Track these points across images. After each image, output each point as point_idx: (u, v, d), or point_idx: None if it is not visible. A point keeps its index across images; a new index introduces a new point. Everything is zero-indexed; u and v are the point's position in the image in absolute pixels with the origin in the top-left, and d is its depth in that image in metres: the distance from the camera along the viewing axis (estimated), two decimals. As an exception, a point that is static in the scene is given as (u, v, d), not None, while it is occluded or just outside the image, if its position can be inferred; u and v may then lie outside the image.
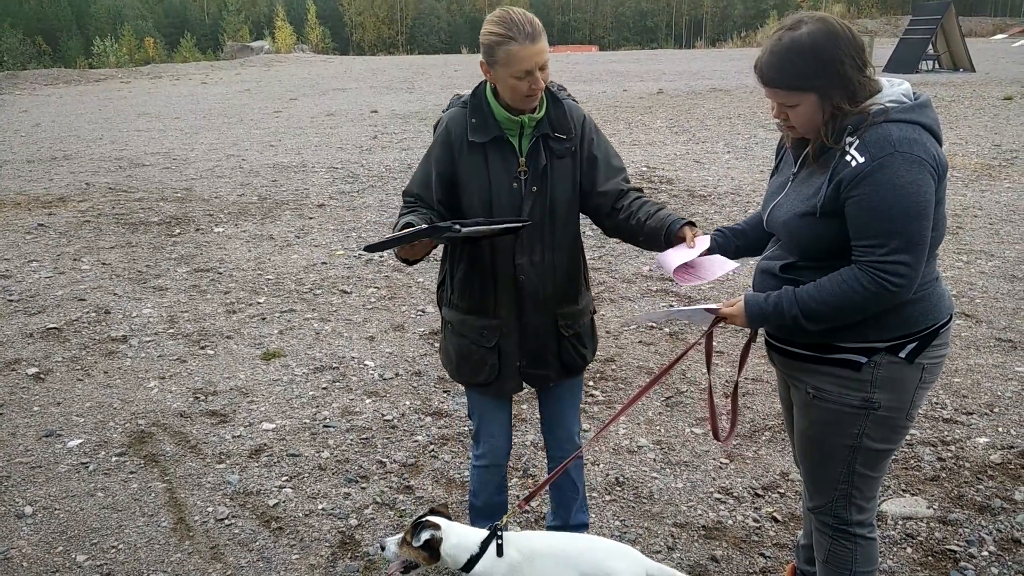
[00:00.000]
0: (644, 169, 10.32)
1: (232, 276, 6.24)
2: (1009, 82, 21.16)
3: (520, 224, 2.25)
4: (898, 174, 1.78)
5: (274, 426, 3.88)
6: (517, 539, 2.30)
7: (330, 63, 41.06)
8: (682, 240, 2.21)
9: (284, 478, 3.43)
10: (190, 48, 73.80)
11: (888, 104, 1.86)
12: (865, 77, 1.87)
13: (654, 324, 5.15)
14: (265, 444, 3.71)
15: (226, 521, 3.12)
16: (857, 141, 1.84)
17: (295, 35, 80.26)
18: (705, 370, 2.28)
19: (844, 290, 1.85)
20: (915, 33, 26.59)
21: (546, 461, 3.53)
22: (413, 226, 2.18)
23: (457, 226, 2.11)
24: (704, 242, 2.20)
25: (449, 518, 2.37)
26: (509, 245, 2.36)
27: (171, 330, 5.12)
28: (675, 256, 2.16)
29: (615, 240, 2.65)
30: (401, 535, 2.34)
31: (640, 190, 2.48)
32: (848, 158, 1.84)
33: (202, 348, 4.84)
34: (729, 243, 2.28)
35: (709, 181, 9.66)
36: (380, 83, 27.25)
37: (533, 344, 2.47)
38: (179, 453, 3.64)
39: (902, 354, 1.94)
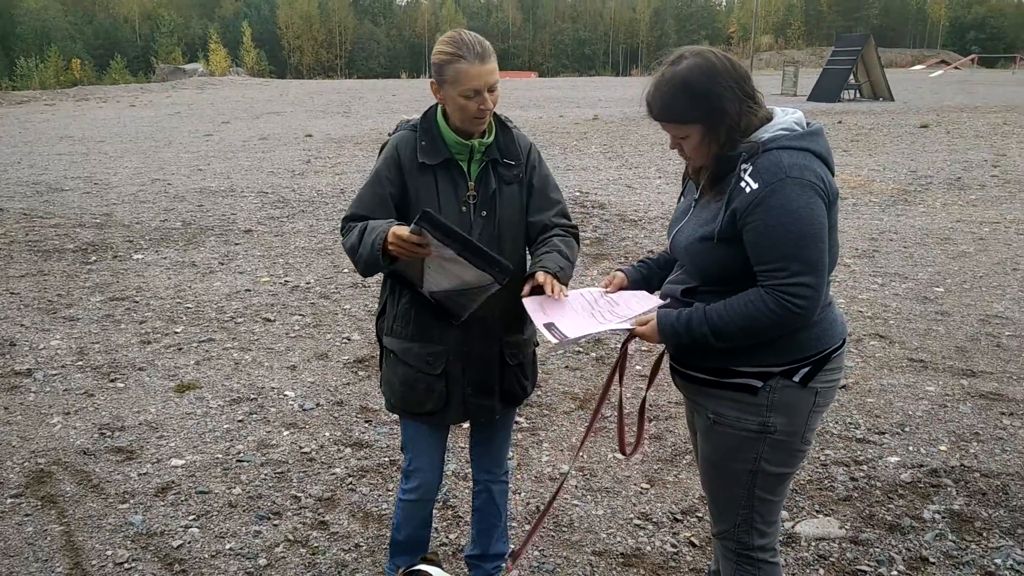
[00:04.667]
0: (577, 194, 10.42)
1: (149, 305, 6.02)
2: (926, 111, 22.20)
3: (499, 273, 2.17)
4: (790, 198, 1.82)
5: (184, 462, 3.72)
6: None
7: (266, 86, 40.59)
8: (536, 283, 2.21)
9: (191, 517, 3.28)
10: (120, 70, 71.98)
11: (779, 132, 1.91)
12: (751, 107, 1.91)
13: (577, 344, 5.16)
14: (173, 481, 3.55)
15: (126, 565, 2.96)
16: (751, 168, 1.88)
17: (230, 58, 79.17)
18: (628, 394, 2.26)
19: (751, 311, 1.87)
20: (837, 64, 27.73)
21: (467, 492, 3.48)
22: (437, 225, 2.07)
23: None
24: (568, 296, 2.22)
25: (440, 567, 2.23)
26: None
27: (80, 362, 4.90)
28: (533, 306, 2.17)
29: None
30: None
31: (567, 230, 2.44)
32: (743, 184, 1.88)
33: (112, 381, 4.64)
34: (654, 274, 2.29)
35: (640, 206, 9.81)
36: (316, 107, 27.02)
37: (479, 372, 2.43)
38: (80, 493, 3.45)
39: (796, 378, 1.97)
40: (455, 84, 2.19)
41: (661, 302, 2.18)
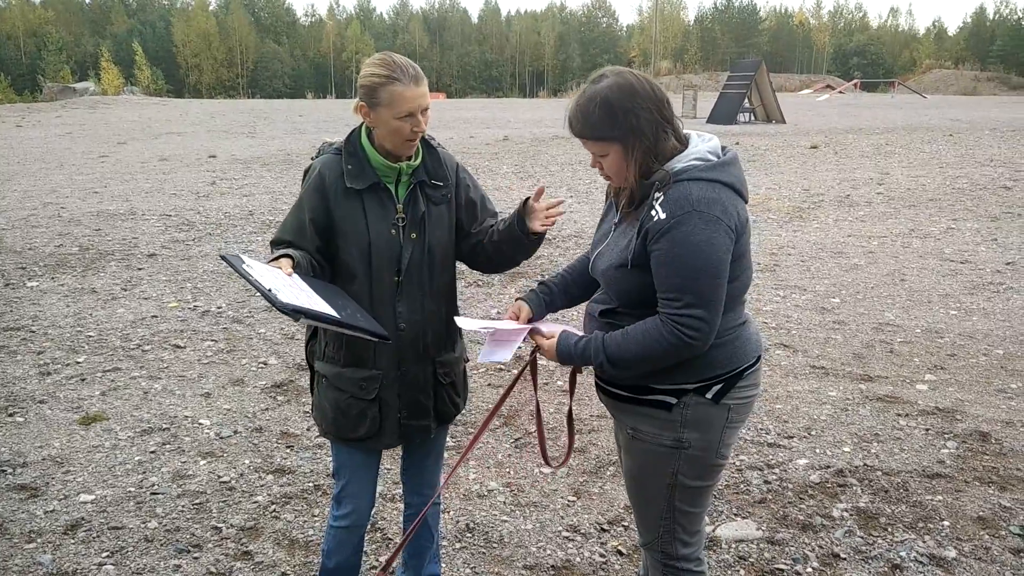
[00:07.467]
0: (490, 214, 10.51)
1: (47, 334, 5.71)
2: (815, 132, 23.51)
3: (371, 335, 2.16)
4: (694, 232, 1.86)
5: (93, 497, 3.55)
6: None
7: (164, 106, 39.22)
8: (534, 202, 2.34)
9: (105, 554, 3.12)
10: (4, 89, 68.17)
11: (692, 162, 1.94)
12: (667, 131, 1.95)
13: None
14: (83, 518, 3.38)
15: (34, 609, 2.80)
16: (662, 197, 1.91)
17: (123, 77, 76.20)
18: (551, 409, 2.31)
19: (647, 339, 1.93)
20: (733, 88, 29.04)
21: (396, 514, 3.45)
22: (292, 259, 2.15)
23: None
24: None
25: None
26: (389, 293, 2.33)
27: (-28, 397, 4.60)
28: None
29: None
30: None
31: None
32: (652, 212, 1.91)
33: (10, 415, 4.37)
34: (556, 298, 2.33)
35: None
36: (219, 127, 26.29)
37: (413, 394, 2.42)
38: (-21, 536, 3.24)
39: (708, 395, 2.03)
40: (390, 107, 2.18)
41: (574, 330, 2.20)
